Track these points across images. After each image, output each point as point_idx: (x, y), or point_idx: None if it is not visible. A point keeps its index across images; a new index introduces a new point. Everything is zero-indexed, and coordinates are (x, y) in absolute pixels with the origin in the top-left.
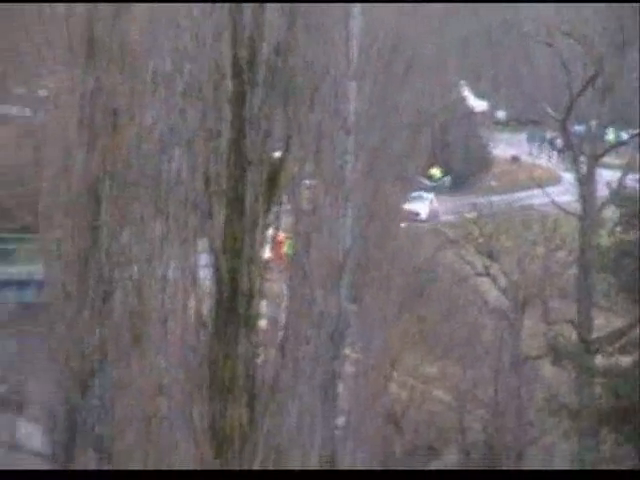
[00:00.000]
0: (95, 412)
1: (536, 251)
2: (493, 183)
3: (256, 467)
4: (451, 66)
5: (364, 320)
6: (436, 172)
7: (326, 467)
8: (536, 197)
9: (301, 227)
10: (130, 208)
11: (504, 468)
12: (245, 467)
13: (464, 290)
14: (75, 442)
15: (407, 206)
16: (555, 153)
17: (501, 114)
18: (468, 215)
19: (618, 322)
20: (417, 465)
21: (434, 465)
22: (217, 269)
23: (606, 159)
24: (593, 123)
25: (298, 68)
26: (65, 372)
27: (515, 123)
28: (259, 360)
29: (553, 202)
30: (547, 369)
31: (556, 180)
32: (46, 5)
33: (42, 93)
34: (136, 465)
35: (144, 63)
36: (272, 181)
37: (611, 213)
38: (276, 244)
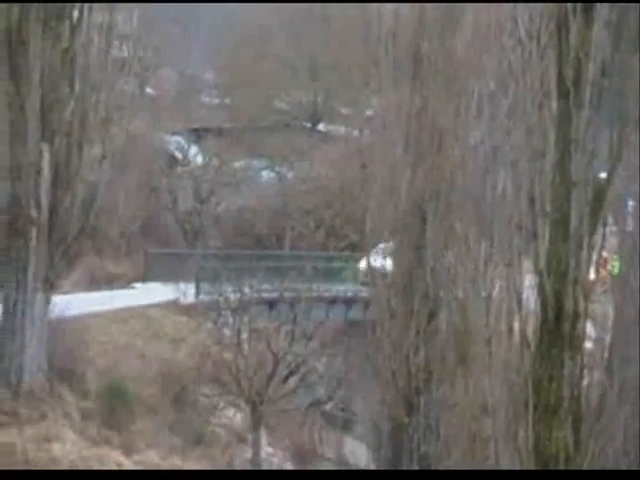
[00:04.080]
0: (420, 431)
1: None
2: None
3: None
4: None
5: None
6: None
7: None
8: None
9: (626, 248)
10: (454, 228)
11: (504, 468)
12: None
13: None
14: (400, 460)
15: None
16: None
17: None
18: None
19: None
20: None
21: None
22: (542, 290)
23: None
24: None
25: (625, 88)
26: (390, 390)
27: None
28: (584, 382)
29: None
30: None
31: None
32: (374, 22)
33: (368, 113)
34: None
35: (469, 82)
36: (597, 202)
37: None
38: (602, 265)
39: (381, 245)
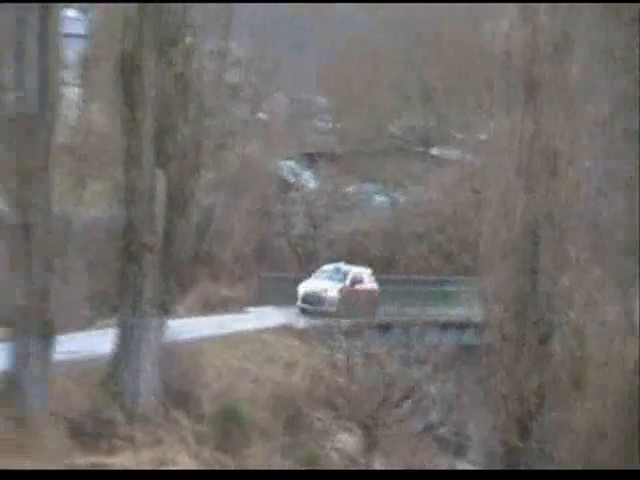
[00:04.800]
0: (534, 455)
1: None
2: None
3: None
4: None
5: None
6: None
7: None
8: None
9: None
10: (568, 252)
11: (504, 468)
12: None
13: None
14: None
15: (306, 286)
16: None
17: None
18: None
19: None
20: None
21: None
22: None
23: None
24: None
25: None
26: (503, 415)
27: None
28: None
29: None
30: None
31: None
32: (486, 45)
33: (482, 137)
34: None
35: (582, 105)
36: None
37: None
38: None
39: (325, 267)
